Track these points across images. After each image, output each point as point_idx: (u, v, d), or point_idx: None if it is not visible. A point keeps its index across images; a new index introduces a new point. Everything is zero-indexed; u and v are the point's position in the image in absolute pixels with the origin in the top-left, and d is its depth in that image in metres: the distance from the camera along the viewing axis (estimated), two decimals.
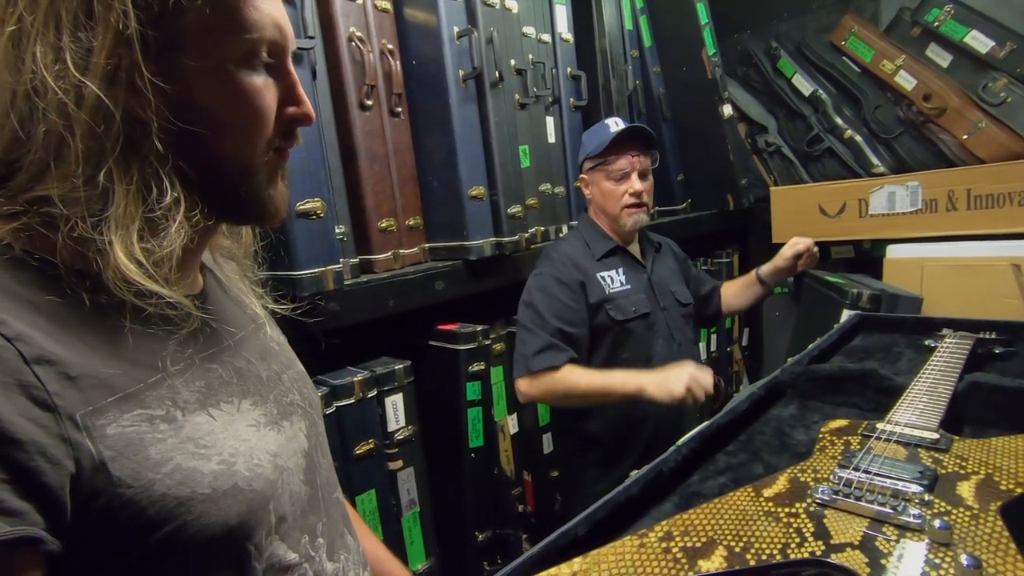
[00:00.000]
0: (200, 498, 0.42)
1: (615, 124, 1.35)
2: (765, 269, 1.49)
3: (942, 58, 1.93)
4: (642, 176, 1.34)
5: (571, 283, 1.29)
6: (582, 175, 1.42)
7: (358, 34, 1.19)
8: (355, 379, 1.13)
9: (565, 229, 1.63)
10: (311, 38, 1.05)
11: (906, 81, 1.99)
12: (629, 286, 1.34)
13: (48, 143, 0.39)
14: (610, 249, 1.38)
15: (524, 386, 1.29)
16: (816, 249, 1.42)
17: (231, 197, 0.48)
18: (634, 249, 1.43)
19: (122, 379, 0.41)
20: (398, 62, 1.26)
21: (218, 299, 0.55)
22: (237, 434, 0.47)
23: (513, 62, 1.45)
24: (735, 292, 1.57)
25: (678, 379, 1.11)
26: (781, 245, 2.28)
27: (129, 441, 0.40)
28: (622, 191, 1.34)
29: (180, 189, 0.43)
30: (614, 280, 1.34)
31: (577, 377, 1.24)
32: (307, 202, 1.01)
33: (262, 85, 0.46)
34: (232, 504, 0.44)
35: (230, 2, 0.43)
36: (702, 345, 2.22)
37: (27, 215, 0.40)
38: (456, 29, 1.28)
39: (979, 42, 1.85)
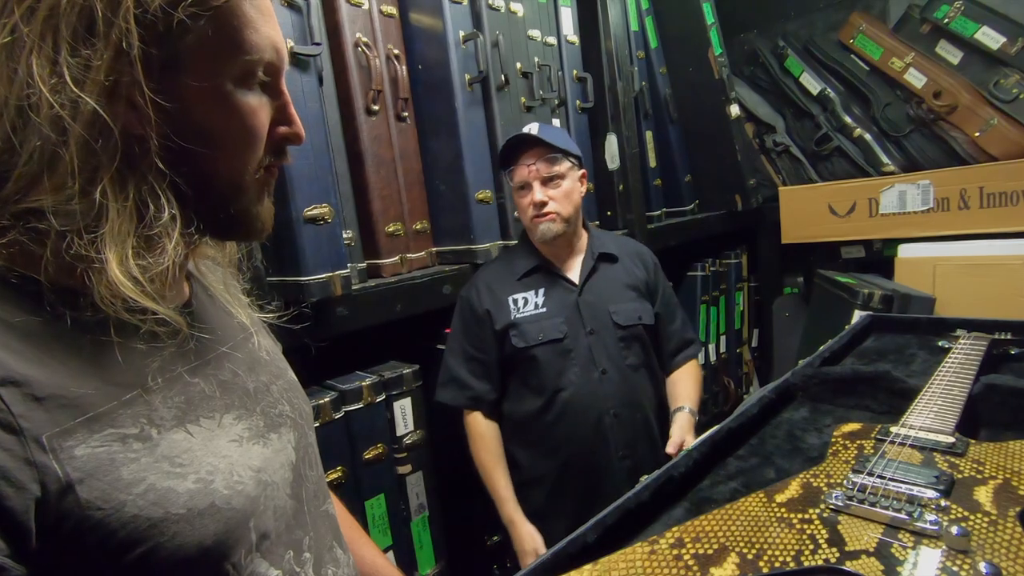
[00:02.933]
0: (174, 519, 0.41)
1: (525, 130, 1.23)
2: (682, 415, 1.27)
3: (952, 55, 1.91)
4: (546, 183, 1.21)
5: (478, 309, 1.25)
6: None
7: (364, 39, 1.19)
8: (364, 383, 1.13)
9: None
10: (318, 44, 1.05)
11: (916, 79, 1.97)
12: (544, 309, 1.24)
13: (42, 156, 0.38)
14: (531, 268, 1.27)
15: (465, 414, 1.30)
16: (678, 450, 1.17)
17: (221, 214, 0.48)
18: (571, 264, 1.30)
19: (94, 398, 0.40)
20: (404, 67, 1.27)
21: (205, 309, 0.55)
22: (217, 450, 0.46)
23: (519, 65, 1.45)
24: (672, 386, 1.36)
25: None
26: (790, 246, 2.30)
27: (100, 462, 0.39)
28: (527, 203, 1.23)
29: (176, 206, 0.43)
30: (527, 303, 1.25)
31: (480, 443, 1.27)
32: (314, 208, 1.02)
33: (257, 105, 0.47)
34: (208, 524, 0.43)
35: (232, 24, 0.43)
36: (711, 347, 2.21)
37: (14, 230, 0.40)
38: (461, 33, 1.28)
39: (990, 38, 1.83)
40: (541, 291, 1.26)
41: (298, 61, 1.01)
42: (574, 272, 1.29)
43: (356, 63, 1.19)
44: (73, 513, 0.38)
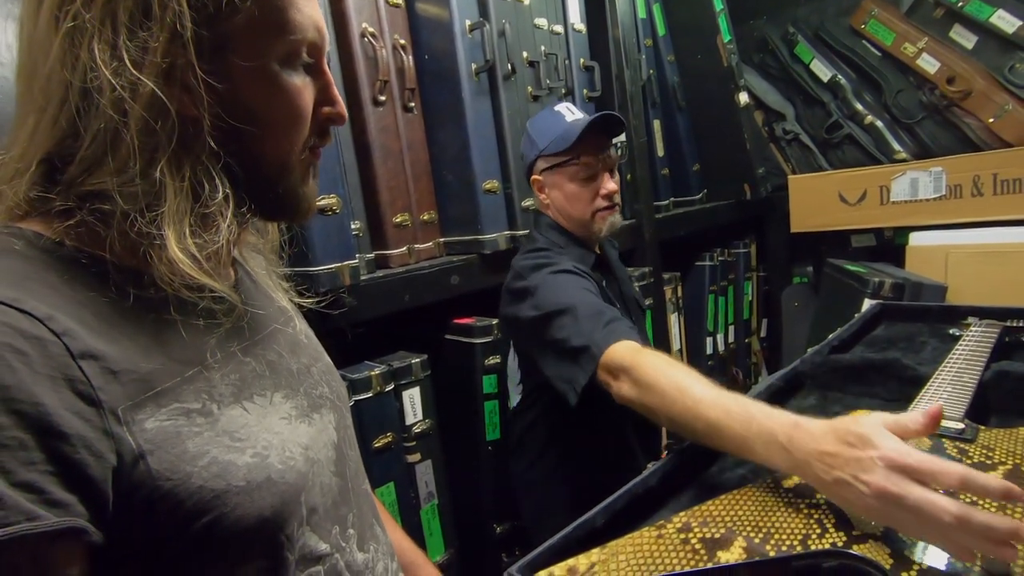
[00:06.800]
0: (235, 490, 0.43)
1: (570, 112, 1.12)
2: None
3: (967, 39, 1.88)
4: (611, 172, 1.14)
5: (592, 281, 1.05)
6: (535, 176, 1.15)
7: (370, 30, 1.19)
8: (372, 373, 1.14)
9: None
10: None
11: (929, 64, 1.94)
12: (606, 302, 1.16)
13: (104, 137, 0.40)
14: (595, 261, 1.16)
15: (619, 383, 0.82)
16: None
17: (270, 194, 0.49)
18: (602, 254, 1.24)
19: (161, 374, 0.42)
20: (410, 57, 1.26)
21: (249, 292, 0.56)
22: (270, 427, 0.47)
23: (525, 54, 1.44)
24: None
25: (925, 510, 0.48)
26: (799, 235, 2.28)
27: (167, 435, 0.41)
28: (592, 193, 1.11)
29: (229, 186, 0.45)
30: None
31: (677, 382, 0.72)
32: (323, 198, 1.02)
33: (302, 85, 0.48)
34: (266, 496, 0.44)
35: (277, 4, 0.44)
36: (719, 337, 2.20)
37: (81, 211, 0.41)
38: (468, 22, 1.27)
39: (1006, 22, 1.79)
40: (604, 283, 1.17)
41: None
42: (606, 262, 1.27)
43: (362, 54, 1.18)
44: (145, 483, 0.39)
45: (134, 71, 0.39)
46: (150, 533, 0.40)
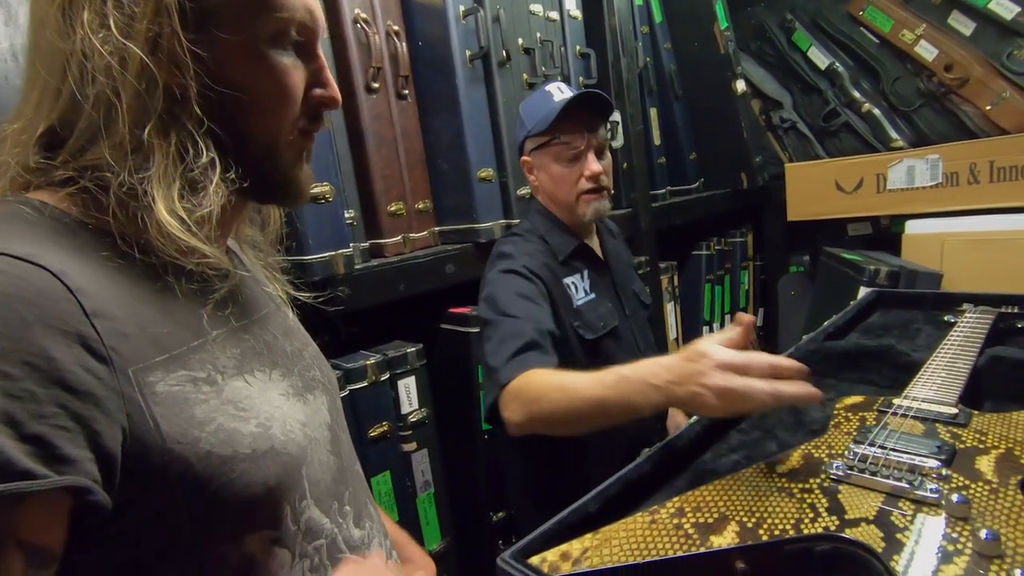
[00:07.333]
0: (241, 457, 0.43)
1: (559, 91, 1.08)
2: None
3: (965, 26, 1.87)
4: (598, 154, 1.09)
5: (537, 282, 1.02)
6: (524, 157, 1.14)
7: (363, 16, 1.17)
8: (368, 362, 1.14)
9: None
10: None
11: (927, 51, 1.93)
12: (594, 294, 1.11)
13: (98, 107, 0.41)
14: (574, 249, 1.12)
15: (508, 411, 0.84)
16: None
17: (259, 174, 0.49)
18: (595, 244, 1.18)
19: (169, 340, 0.43)
20: (404, 43, 1.25)
21: (243, 277, 0.57)
22: (271, 400, 0.48)
23: (521, 41, 1.43)
24: None
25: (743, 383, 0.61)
26: (796, 224, 2.28)
27: (175, 400, 0.41)
28: (576, 175, 1.07)
29: (215, 151, 0.45)
30: (578, 288, 1.10)
31: (558, 383, 0.78)
32: (316, 186, 1.01)
33: (290, 65, 0.48)
34: (270, 465, 0.45)
35: None
36: (716, 326, 2.20)
37: (82, 180, 0.42)
38: (462, 8, 1.26)
39: (1004, 8, 1.78)
40: (586, 273, 1.13)
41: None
42: (598, 251, 1.22)
43: (355, 40, 1.17)
44: (156, 445, 0.40)
45: (120, 38, 0.40)
46: (161, 498, 0.40)
